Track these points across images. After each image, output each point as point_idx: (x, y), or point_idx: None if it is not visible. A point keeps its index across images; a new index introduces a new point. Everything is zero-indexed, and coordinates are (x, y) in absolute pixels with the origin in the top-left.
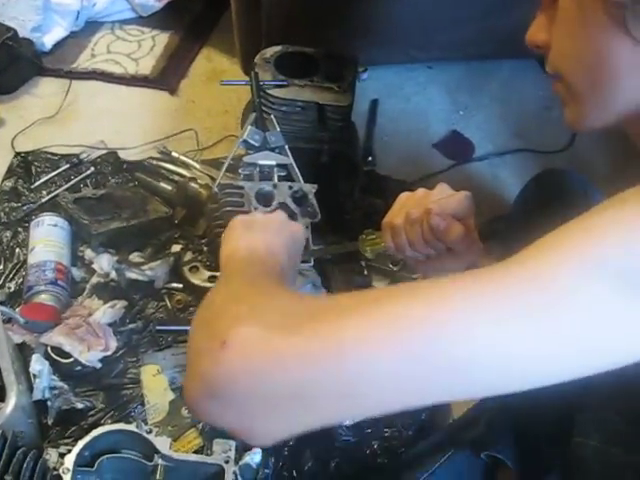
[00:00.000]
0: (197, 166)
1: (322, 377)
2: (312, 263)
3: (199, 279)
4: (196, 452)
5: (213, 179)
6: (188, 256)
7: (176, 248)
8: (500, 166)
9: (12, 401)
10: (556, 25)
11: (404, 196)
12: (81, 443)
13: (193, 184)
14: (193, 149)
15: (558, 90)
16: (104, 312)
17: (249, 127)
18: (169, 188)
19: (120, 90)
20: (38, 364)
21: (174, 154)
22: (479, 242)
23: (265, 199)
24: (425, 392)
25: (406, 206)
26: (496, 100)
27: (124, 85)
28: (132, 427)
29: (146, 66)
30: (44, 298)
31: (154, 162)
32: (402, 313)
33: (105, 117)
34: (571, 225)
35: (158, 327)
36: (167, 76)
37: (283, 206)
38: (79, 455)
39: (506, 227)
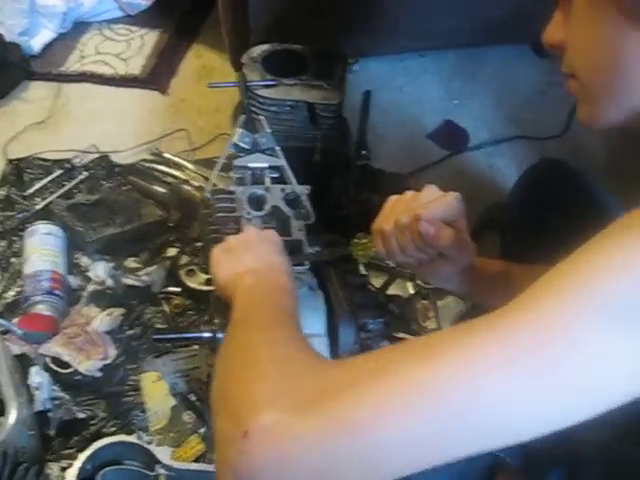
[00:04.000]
0: (190, 167)
1: (344, 455)
2: (308, 266)
3: (196, 282)
4: (199, 458)
5: (207, 179)
6: (184, 260)
7: (172, 252)
8: (496, 154)
9: (12, 417)
10: (571, 24)
11: (393, 200)
12: (82, 457)
13: (187, 186)
14: (185, 149)
15: (572, 88)
16: (102, 320)
17: (238, 130)
18: (163, 191)
19: (110, 91)
20: (37, 377)
21: (166, 155)
22: (471, 244)
23: (257, 203)
24: (442, 452)
25: (395, 211)
26: (490, 87)
27: (114, 86)
28: (133, 438)
29: (136, 66)
30: (41, 308)
31: (147, 164)
32: (411, 382)
33: (96, 119)
34: (570, 261)
35: (155, 336)
36: (157, 75)
37: (276, 209)
38: (81, 469)
39: (503, 216)
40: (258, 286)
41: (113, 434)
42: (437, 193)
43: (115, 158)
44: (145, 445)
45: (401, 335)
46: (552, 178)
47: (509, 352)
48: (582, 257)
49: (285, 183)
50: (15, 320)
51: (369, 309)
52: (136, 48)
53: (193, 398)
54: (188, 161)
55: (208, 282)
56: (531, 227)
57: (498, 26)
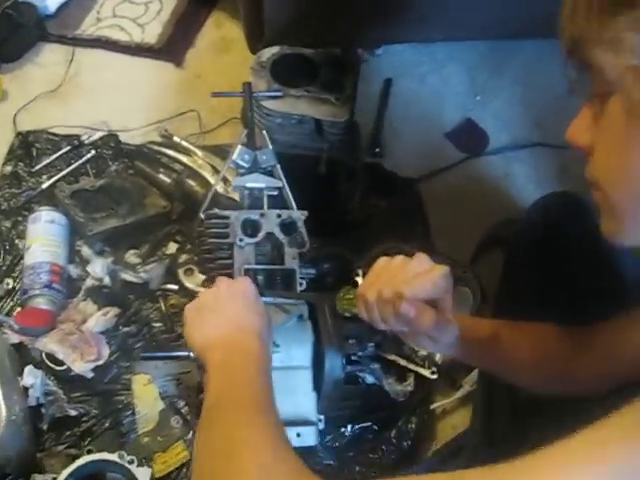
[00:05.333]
0: (199, 153)
1: None
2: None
3: (193, 283)
4: (183, 465)
5: (215, 169)
6: (183, 258)
7: (173, 247)
8: (515, 161)
9: (1, 424)
10: (601, 132)
11: (381, 264)
12: (65, 472)
13: (190, 181)
14: (195, 132)
15: (597, 199)
16: (97, 320)
17: (239, 147)
18: (168, 181)
19: (124, 61)
20: (30, 377)
21: (176, 139)
22: (454, 323)
23: (252, 228)
24: None
25: (380, 280)
26: (517, 82)
27: (129, 55)
28: (115, 457)
29: (152, 34)
30: (39, 302)
31: (155, 147)
32: None
33: (108, 92)
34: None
35: (143, 355)
36: (173, 45)
37: (270, 236)
38: None
39: (511, 236)
40: (228, 363)
41: (103, 432)
42: (426, 264)
43: (124, 137)
44: (126, 465)
45: (393, 357)
46: (562, 216)
47: None
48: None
49: (284, 201)
50: (14, 312)
51: (359, 338)
52: (154, 13)
53: (182, 404)
54: (197, 146)
55: (205, 284)
56: (534, 266)
57: (531, 19)
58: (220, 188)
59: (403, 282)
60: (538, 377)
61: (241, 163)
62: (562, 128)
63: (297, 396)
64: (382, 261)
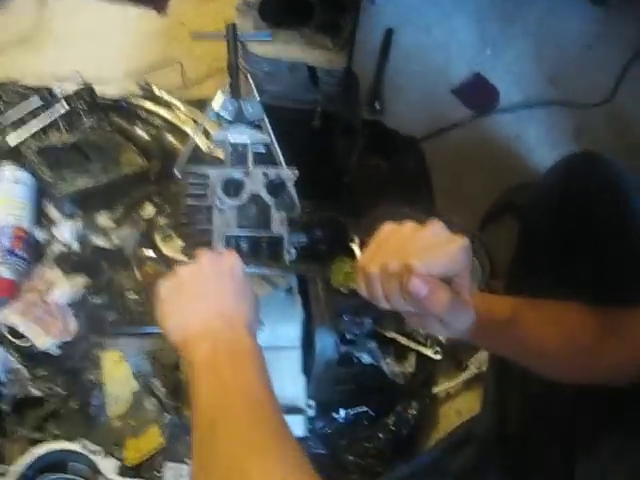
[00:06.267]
0: (181, 107)
1: None
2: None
3: (172, 250)
4: (157, 453)
5: (198, 124)
6: (161, 222)
7: (150, 210)
8: (527, 120)
9: None
10: None
11: (387, 230)
12: (23, 462)
13: (170, 137)
14: (178, 84)
15: None
16: (63, 292)
17: (219, 94)
18: (146, 138)
19: (101, 7)
20: None
21: (156, 91)
22: (471, 307)
23: (235, 189)
24: None
25: (384, 250)
26: (530, 34)
27: (106, 1)
28: (77, 447)
29: None
30: (0, 270)
31: (133, 100)
32: None
33: (83, 40)
34: None
35: (114, 330)
36: None
37: (255, 198)
38: (21, 475)
39: (526, 202)
40: (218, 366)
41: (71, 415)
42: (442, 235)
43: (100, 90)
44: (90, 456)
45: (392, 335)
46: (584, 178)
47: None
48: None
49: (272, 158)
50: None
51: (354, 314)
52: None
53: (157, 384)
54: (180, 100)
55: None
56: (553, 234)
57: None
58: (203, 146)
59: (413, 253)
60: (562, 363)
61: (223, 114)
62: (579, 84)
63: (284, 380)
64: (388, 228)
